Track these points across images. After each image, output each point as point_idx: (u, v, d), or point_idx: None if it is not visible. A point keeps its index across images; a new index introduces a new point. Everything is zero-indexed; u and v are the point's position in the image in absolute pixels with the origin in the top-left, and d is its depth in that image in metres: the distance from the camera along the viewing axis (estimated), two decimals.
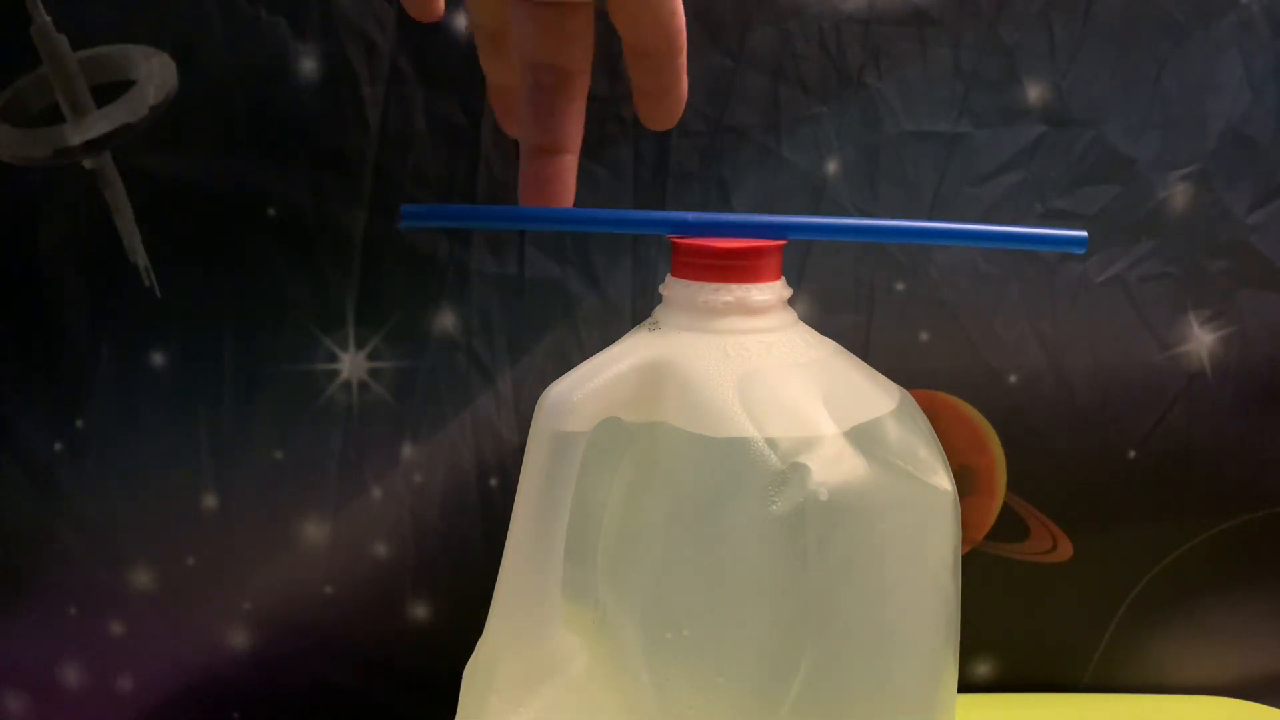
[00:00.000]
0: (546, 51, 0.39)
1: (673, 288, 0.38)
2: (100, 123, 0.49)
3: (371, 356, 0.51)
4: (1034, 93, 0.51)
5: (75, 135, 0.49)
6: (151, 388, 0.50)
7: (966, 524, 0.39)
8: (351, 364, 0.51)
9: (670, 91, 0.43)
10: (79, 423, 0.51)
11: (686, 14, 0.42)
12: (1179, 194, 0.52)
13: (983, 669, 0.56)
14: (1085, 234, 0.38)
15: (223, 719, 0.54)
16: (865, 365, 0.39)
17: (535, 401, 0.35)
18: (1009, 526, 0.55)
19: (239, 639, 0.53)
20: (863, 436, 0.36)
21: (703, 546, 0.35)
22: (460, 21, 0.49)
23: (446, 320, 0.51)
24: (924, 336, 0.53)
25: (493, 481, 0.52)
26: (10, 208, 0.50)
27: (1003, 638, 0.56)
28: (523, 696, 0.36)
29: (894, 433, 0.37)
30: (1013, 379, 0.53)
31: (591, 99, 0.50)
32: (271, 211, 0.50)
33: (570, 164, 0.40)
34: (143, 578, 0.52)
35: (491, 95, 0.47)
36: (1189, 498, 0.55)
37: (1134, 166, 0.52)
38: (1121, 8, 0.51)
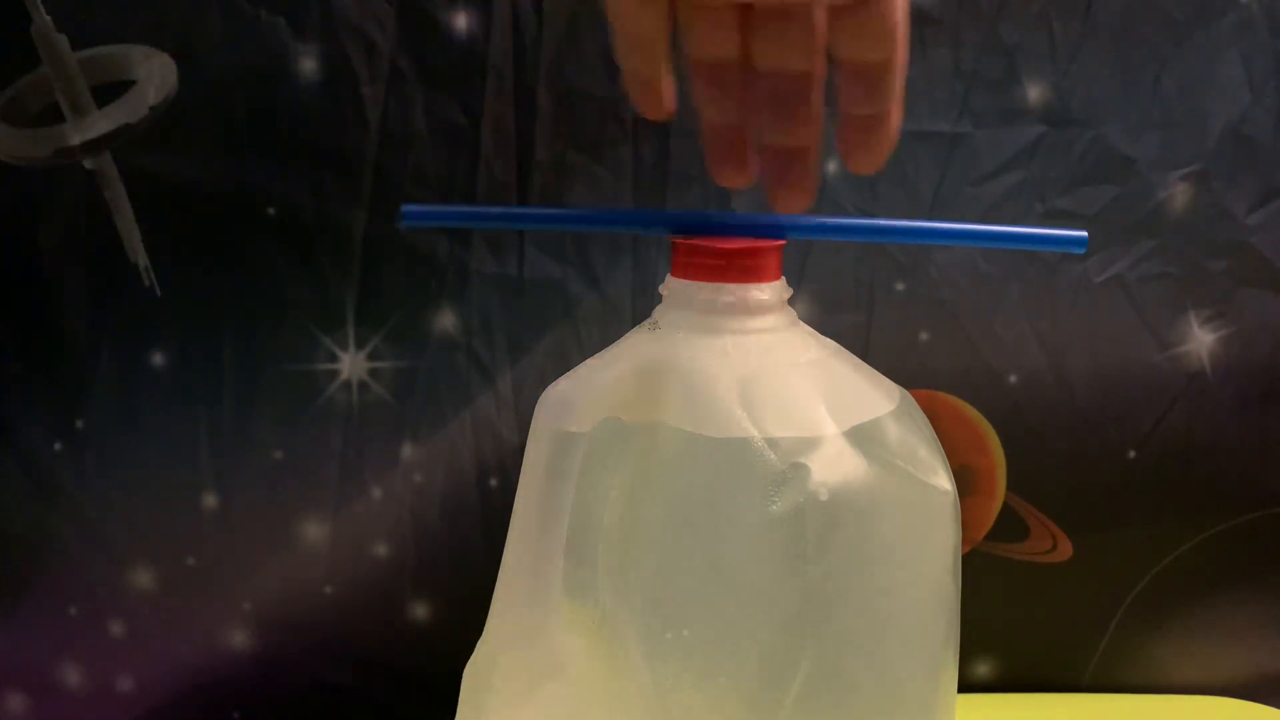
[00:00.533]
0: (793, 59, 0.36)
1: (673, 288, 0.38)
2: (100, 123, 0.49)
3: (371, 356, 0.51)
4: (1034, 93, 0.51)
5: (75, 135, 0.49)
6: (151, 388, 0.50)
7: (966, 524, 0.39)
8: (351, 364, 0.51)
9: (886, 119, 0.37)
10: (79, 423, 0.51)
11: None
12: (1179, 194, 0.52)
13: (983, 669, 0.56)
14: (1085, 234, 0.38)
15: (223, 719, 0.54)
16: (865, 365, 0.39)
17: (535, 401, 0.35)
18: (1009, 526, 0.55)
19: (239, 639, 0.53)
20: (863, 436, 0.36)
21: (703, 546, 0.35)
22: (460, 21, 0.49)
23: (446, 320, 0.51)
24: (924, 336, 0.53)
25: (493, 481, 0.52)
26: (10, 208, 0.50)
27: (1003, 638, 0.56)
28: (523, 696, 0.36)
29: (894, 433, 0.37)
30: (1013, 379, 0.53)
31: (591, 99, 0.50)
32: (271, 211, 0.50)
33: (818, 157, 0.38)
34: (143, 578, 0.52)
35: (710, 139, 0.39)
36: (1189, 498, 0.55)
37: (1134, 166, 0.52)
38: (1121, 8, 0.51)
